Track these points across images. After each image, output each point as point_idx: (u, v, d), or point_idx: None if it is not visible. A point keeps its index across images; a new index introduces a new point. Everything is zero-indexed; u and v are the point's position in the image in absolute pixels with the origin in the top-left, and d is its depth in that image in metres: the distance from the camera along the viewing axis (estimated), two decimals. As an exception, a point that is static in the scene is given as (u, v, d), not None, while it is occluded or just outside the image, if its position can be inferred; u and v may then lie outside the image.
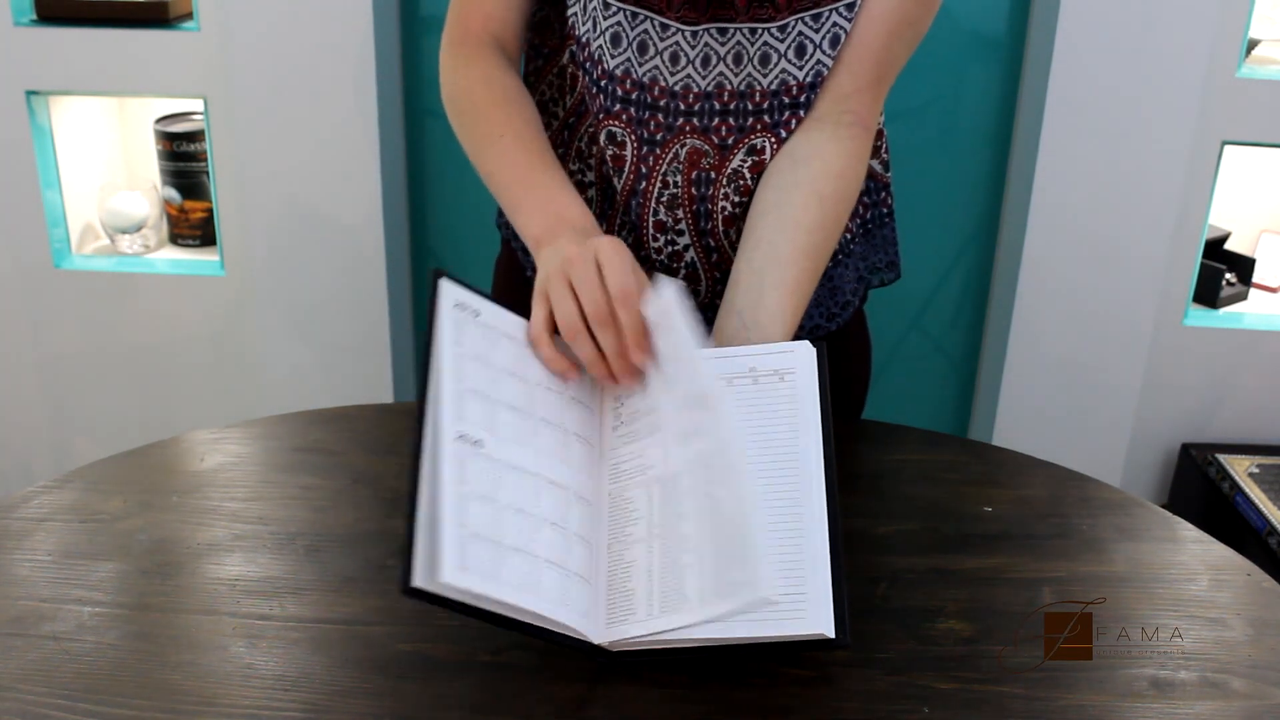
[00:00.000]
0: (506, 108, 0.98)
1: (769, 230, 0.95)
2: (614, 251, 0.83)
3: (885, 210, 1.13)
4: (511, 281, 1.18)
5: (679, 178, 1.01)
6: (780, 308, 0.91)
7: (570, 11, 0.99)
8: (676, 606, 0.74)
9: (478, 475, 0.74)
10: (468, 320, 0.80)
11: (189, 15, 2.04)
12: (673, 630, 0.73)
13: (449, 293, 0.80)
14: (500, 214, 1.19)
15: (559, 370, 0.82)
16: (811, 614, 0.73)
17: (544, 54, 1.06)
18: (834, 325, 1.12)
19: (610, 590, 0.76)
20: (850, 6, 0.95)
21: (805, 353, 0.85)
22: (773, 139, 0.99)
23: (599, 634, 0.75)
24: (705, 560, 0.75)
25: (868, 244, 1.14)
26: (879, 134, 1.09)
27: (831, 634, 0.72)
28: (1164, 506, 1.50)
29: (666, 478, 0.79)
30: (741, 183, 1.00)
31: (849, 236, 1.11)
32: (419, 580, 0.68)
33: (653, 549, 0.77)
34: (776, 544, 0.76)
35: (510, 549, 0.73)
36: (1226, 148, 2.02)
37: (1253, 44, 2.06)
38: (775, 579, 0.74)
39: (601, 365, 0.82)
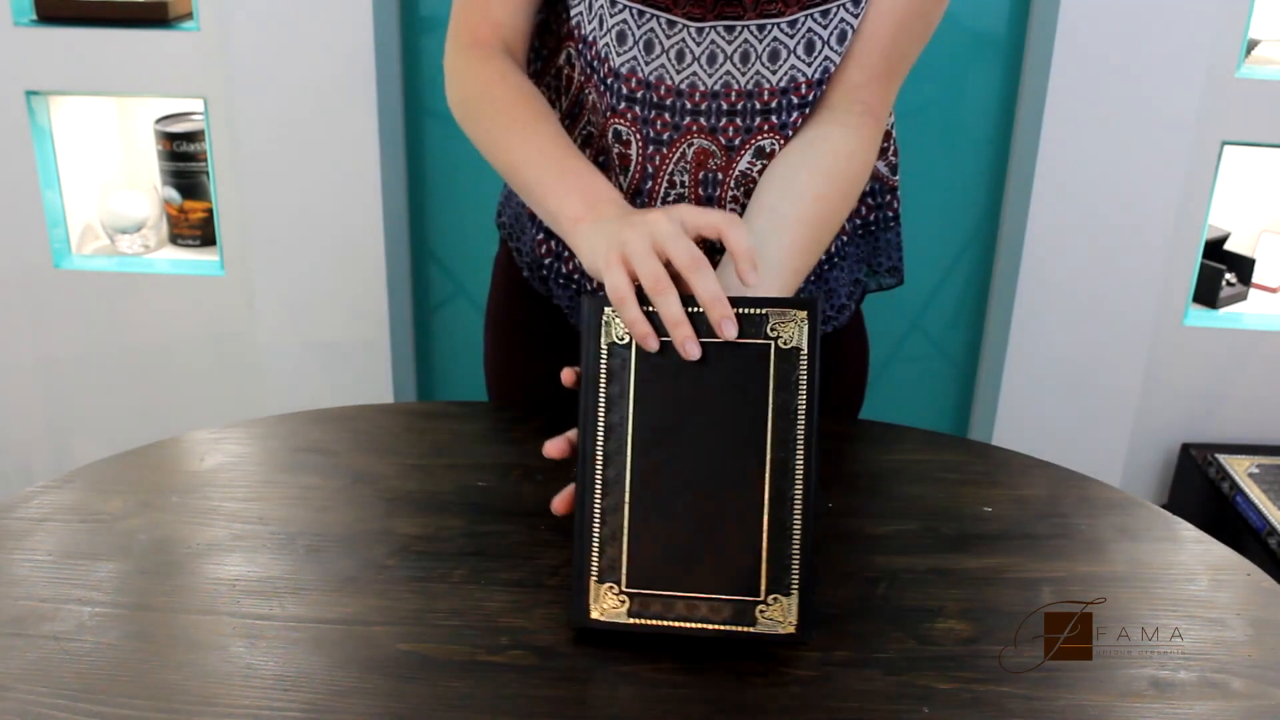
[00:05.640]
0: (527, 104, 0.98)
1: (772, 197, 0.94)
2: (690, 212, 0.81)
3: (890, 214, 1.13)
4: (509, 281, 1.18)
5: (686, 178, 1.01)
6: (781, 264, 0.90)
7: (575, 11, 0.99)
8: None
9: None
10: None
11: (189, 15, 2.04)
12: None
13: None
14: (500, 213, 1.19)
15: (643, 334, 0.78)
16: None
17: (543, 56, 1.06)
18: (829, 328, 1.12)
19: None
20: (857, 2, 0.95)
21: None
22: (780, 140, 0.99)
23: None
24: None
25: (870, 247, 1.14)
26: (888, 135, 1.09)
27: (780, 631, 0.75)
28: (1164, 506, 1.50)
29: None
30: (751, 186, 1.00)
31: (844, 239, 1.10)
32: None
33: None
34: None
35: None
36: (1226, 148, 2.02)
37: (1253, 44, 2.06)
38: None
39: (686, 326, 0.77)
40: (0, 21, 1.99)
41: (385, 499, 0.95)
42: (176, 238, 2.28)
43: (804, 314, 0.77)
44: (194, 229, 2.26)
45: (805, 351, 0.77)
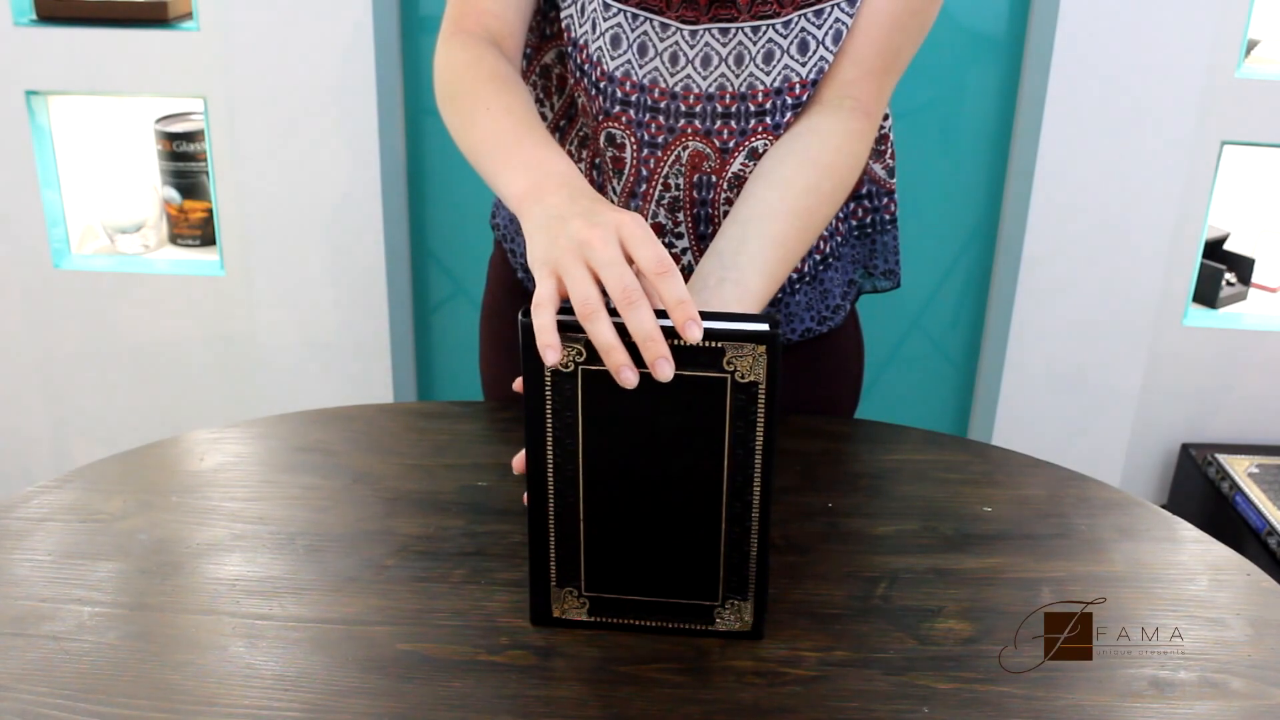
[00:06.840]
0: (495, 83, 0.93)
1: (760, 188, 0.93)
2: (638, 225, 0.74)
3: (888, 217, 1.13)
4: (503, 281, 1.18)
5: (681, 180, 1.00)
6: (762, 256, 0.88)
7: (565, 14, 0.98)
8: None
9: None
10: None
11: (189, 15, 2.04)
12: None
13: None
14: (494, 214, 1.19)
15: (546, 343, 0.70)
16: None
17: (525, 54, 1.05)
18: (825, 328, 1.12)
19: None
20: (851, 1, 0.94)
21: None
22: (774, 141, 0.99)
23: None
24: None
25: (866, 249, 1.14)
26: (884, 139, 1.08)
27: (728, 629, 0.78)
28: (1164, 506, 1.50)
29: None
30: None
31: (839, 240, 1.10)
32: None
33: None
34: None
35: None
36: (1226, 148, 2.02)
37: (1252, 44, 2.06)
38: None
39: (619, 352, 0.70)
40: (0, 21, 1.99)
41: (385, 499, 0.95)
42: (176, 238, 2.28)
43: (762, 349, 0.72)
44: (194, 229, 2.26)
45: (763, 385, 0.73)
